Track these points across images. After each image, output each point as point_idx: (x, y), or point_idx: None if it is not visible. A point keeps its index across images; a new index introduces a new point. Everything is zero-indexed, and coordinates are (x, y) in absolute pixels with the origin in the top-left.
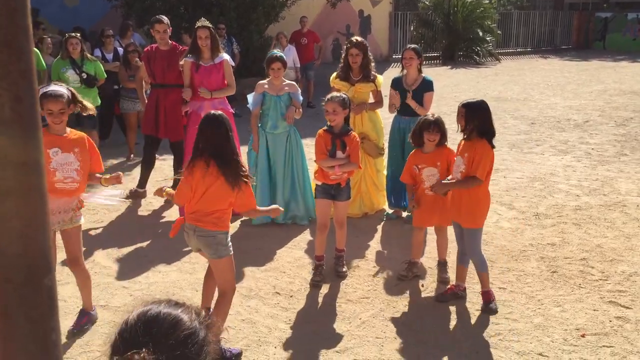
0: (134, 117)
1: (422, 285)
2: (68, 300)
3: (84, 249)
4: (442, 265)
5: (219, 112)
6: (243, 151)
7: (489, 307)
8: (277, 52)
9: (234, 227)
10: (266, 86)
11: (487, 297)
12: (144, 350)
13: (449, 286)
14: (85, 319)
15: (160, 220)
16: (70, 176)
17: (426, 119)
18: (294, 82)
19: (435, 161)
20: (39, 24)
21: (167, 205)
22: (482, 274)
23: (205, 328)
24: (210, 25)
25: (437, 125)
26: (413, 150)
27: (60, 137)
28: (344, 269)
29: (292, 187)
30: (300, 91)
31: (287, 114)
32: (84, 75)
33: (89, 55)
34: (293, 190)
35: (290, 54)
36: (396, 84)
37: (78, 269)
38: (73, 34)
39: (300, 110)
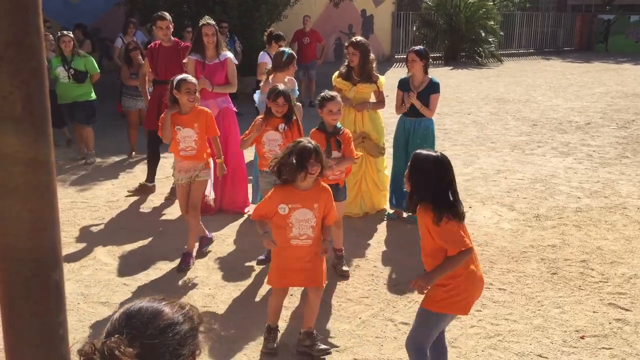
0: (136, 115)
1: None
2: (69, 297)
3: (84, 244)
4: (309, 335)
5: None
6: (245, 150)
7: None
8: (292, 51)
9: (231, 224)
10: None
11: None
12: (116, 336)
13: None
14: (189, 258)
15: (162, 218)
16: (190, 145)
17: (305, 145)
18: (292, 78)
19: (312, 202)
20: (45, 21)
21: (168, 203)
22: None
23: (190, 321)
24: (214, 23)
25: (320, 154)
26: (276, 186)
27: (183, 117)
28: (346, 268)
29: None
30: (297, 87)
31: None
32: (72, 72)
33: (80, 51)
34: None
35: None
36: (403, 85)
37: (194, 213)
38: (65, 32)
39: (298, 104)
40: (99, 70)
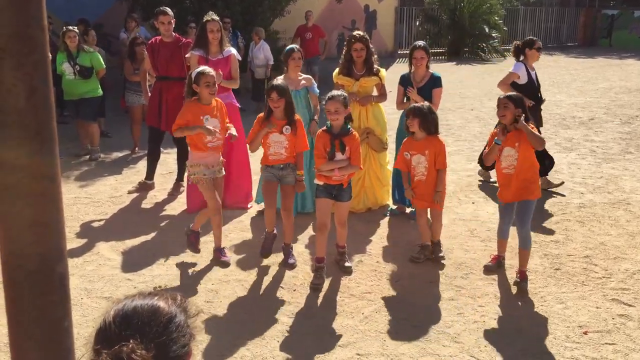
0: (139, 111)
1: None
2: (72, 292)
3: (87, 240)
4: (436, 245)
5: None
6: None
7: (522, 284)
8: (294, 45)
9: (235, 220)
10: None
11: (523, 275)
12: (131, 341)
13: (493, 256)
14: (225, 252)
15: (164, 213)
16: (216, 137)
17: (410, 106)
18: (309, 76)
19: (423, 149)
20: (47, 17)
21: (171, 198)
22: (526, 252)
23: (184, 311)
24: (219, 19)
25: (412, 112)
26: (406, 138)
27: (208, 107)
28: (349, 264)
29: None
30: (316, 84)
31: (311, 129)
32: (77, 68)
33: (85, 47)
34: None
35: (260, 52)
36: (404, 81)
37: (220, 209)
38: (70, 27)
39: (318, 108)
40: (104, 66)
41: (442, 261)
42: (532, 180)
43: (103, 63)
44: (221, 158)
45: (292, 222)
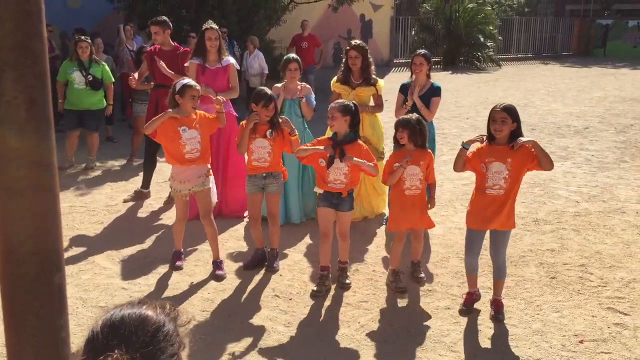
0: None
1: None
2: (68, 301)
3: (84, 249)
4: (415, 265)
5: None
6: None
7: (499, 317)
8: (292, 55)
9: (231, 229)
10: (282, 89)
11: (498, 305)
12: (116, 351)
13: (465, 296)
14: (222, 265)
15: (160, 222)
16: (195, 147)
17: (399, 118)
18: (307, 85)
19: (418, 160)
20: (46, 25)
21: (167, 207)
22: (501, 281)
23: (172, 320)
24: (217, 28)
25: (401, 125)
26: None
27: (187, 118)
28: (348, 281)
29: (309, 187)
30: (313, 95)
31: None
32: (90, 78)
33: (97, 59)
34: (309, 190)
35: (255, 61)
36: (404, 89)
37: (208, 221)
38: (83, 37)
39: (309, 117)
40: (114, 80)
41: (422, 280)
42: (513, 207)
43: (112, 77)
44: (206, 169)
45: (277, 228)
